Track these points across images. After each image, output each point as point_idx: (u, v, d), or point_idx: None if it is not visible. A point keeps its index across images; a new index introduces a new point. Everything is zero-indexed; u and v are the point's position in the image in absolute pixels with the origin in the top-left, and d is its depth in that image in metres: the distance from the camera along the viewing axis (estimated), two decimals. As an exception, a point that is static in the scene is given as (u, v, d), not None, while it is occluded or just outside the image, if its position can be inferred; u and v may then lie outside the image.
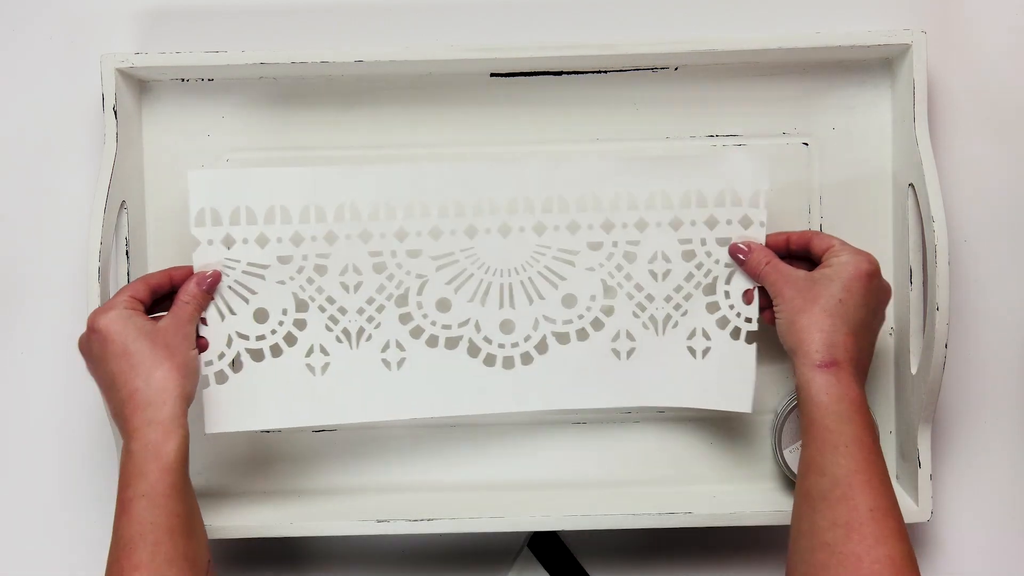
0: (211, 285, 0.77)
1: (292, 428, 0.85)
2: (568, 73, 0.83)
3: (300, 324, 0.79)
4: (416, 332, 0.79)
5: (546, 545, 0.85)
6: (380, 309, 0.79)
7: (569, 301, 0.80)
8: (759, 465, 0.85)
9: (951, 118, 0.85)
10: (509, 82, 0.83)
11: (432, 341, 0.79)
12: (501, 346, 0.79)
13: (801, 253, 0.78)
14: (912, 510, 0.80)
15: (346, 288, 0.79)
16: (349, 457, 0.85)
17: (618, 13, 0.85)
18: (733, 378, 0.79)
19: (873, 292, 0.74)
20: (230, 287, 0.78)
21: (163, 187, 0.84)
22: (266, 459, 0.84)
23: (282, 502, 0.83)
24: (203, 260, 0.77)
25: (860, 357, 0.73)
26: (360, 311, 0.79)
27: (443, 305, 0.79)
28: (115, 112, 0.79)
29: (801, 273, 0.75)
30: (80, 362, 0.87)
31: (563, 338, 0.80)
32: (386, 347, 0.79)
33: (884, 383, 0.84)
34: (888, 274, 0.81)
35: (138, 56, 0.79)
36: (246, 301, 0.78)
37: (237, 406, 0.78)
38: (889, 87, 0.83)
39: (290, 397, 0.78)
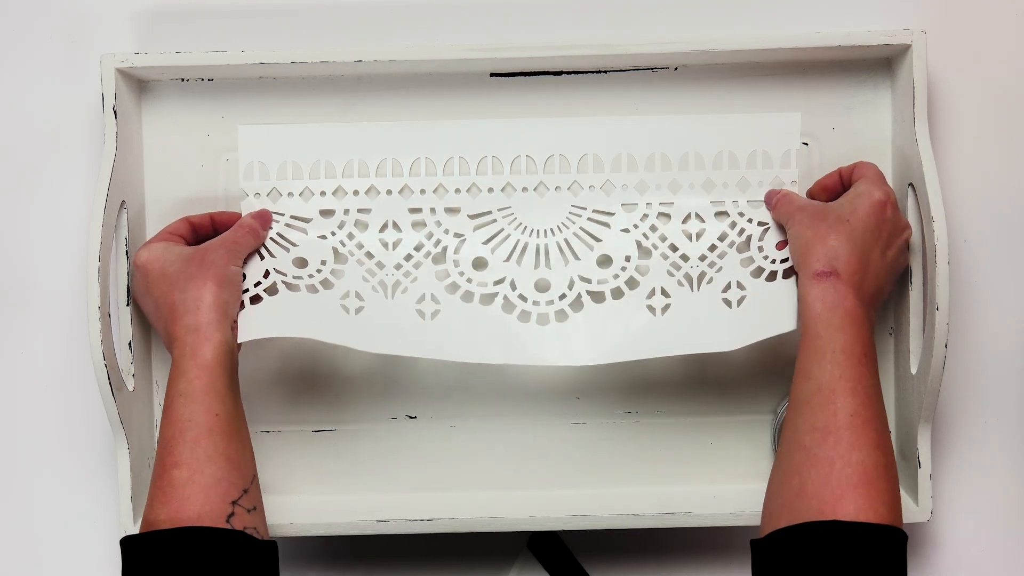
0: (263, 220, 0.80)
1: (291, 427, 0.85)
2: (568, 73, 0.83)
3: (337, 274, 0.80)
4: (452, 288, 0.81)
5: (546, 545, 0.85)
6: (417, 265, 0.81)
7: (604, 261, 0.81)
8: (759, 465, 0.85)
9: (951, 118, 0.85)
10: (509, 82, 0.83)
11: (467, 297, 0.81)
12: (536, 303, 0.80)
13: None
14: (912, 510, 0.80)
15: (385, 245, 0.81)
16: (349, 457, 0.85)
17: (618, 13, 0.85)
18: (772, 310, 0.77)
19: (884, 221, 0.74)
20: (272, 239, 0.80)
21: (163, 187, 0.84)
22: (265, 459, 0.84)
23: (282, 502, 0.83)
24: (250, 210, 0.81)
25: (865, 277, 0.72)
26: (398, 267, 0.81)
27: (479, 263, 0.81)
28: (115, 112, 0.79)
29: (812, 202, 0.77)
30: (80, 361, 0.87)
31: (598, 297, 0.81)
32: (421, 299, 0.80)
33: (884, 383, 0.84)
34: (888, 274, 0.81)
35: (138, 56, 0.79)
36: (287, 251, 0.80)
37: (270, 318, 0.77)
38: (889, 87, 0.83)
39: (324, 323, 0.78)
